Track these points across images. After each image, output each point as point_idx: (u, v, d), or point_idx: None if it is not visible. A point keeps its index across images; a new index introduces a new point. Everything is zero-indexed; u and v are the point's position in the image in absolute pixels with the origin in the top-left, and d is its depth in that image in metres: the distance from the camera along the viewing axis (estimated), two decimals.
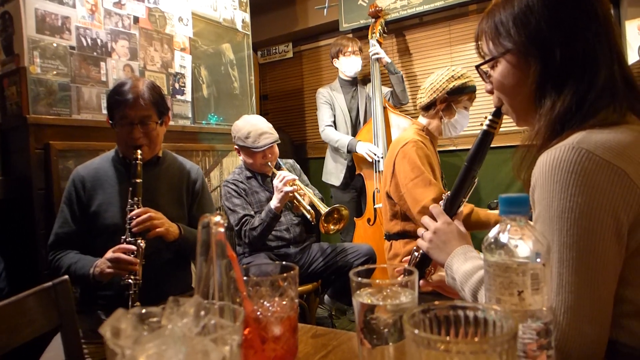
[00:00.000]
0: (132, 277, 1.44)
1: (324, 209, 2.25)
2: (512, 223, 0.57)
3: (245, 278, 0.64)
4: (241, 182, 2.41)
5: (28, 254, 1.98)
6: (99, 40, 2.25)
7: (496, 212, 1.97)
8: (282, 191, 2.19)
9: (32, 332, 0.83)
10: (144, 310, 0.50)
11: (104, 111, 2.25)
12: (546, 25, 0.79)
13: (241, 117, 2.49)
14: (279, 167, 2.45)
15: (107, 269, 1.45)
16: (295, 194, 2.25)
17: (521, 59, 0.83)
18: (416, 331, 0.41)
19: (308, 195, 2.30)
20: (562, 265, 0.69)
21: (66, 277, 0.92)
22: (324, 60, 4.15)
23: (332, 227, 2.31)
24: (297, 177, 2.30)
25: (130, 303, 1.41)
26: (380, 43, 3.32)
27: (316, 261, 2.45)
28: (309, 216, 2.30)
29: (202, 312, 0.51)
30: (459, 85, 1.96)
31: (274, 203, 2.22)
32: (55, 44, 2.07)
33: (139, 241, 1.49)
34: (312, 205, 2.29)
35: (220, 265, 0.58)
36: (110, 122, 1.66)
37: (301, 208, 2.31)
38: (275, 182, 2.23)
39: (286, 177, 2.21)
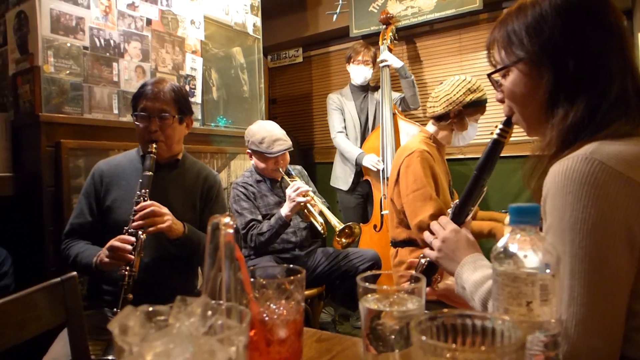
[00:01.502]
0: (127, 268, 1.44)
1: (338, 225, 2.27)
2: (522, 233, 0.57)
3: (252, 280, 0.65)
4: (251, 185, 2.42)
5: (36, 251, 1.99)
6: (112, 41, 2.27)
7: (491, 222, 1.96)
8: (294, 201, 2.21)
9: (40, 327, 0.84)
10: (151, 309, 0.51)
11: (115, 111, 2.27)
12: (560, 35, 0.79)
13: (255, 121, 2.51)
14: (288, 173, 2.46)
15: (105, 258, 1.46)
16: (308, 204, 2.26)
17: (533, 69, 0.83)
18: (423, 338, 0.41)
19: (319, 207, 2.31)
20: (573, 278, 0.68)
21: (74, 273, 0.93)
22: (333, 66, 4.16)
23: (344, 240, 2.34)
24: (310, 189, 2.31)
25: (122, 294, 1.41)
26: (390, 50, 3.33)
27: (321, 265, 2.45)
28: (319, 228, 2.32)
29: (210, 312, 0.51)
30: (475, 99, 1.94)
31: (284, 211, 2.23)
32: (69, 44, 2.10)
33: (140, 233, 1.49)
34: (322, 215, 2.31)
35: (228, 267, 0.58)
36: (133, 116, 1.69)
37: (311, 219, 2.33)
38: (289, 191, 2.25)
39: (300, 188, 2.23)
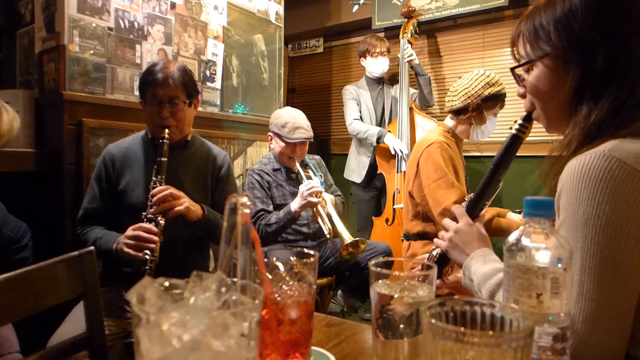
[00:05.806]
0: (149, 253, 1.47)
1: (347, 239, 2.19)
2: (536, 226, 0.57)
3: (265, 261, 0.66)
4: (267, 173, 2.43)
5: (55, 226, 2.04)
6: (136, 23, 2.30)
7: (519, 218, 1.95)
8: (306, 199, 2.19)
9: (59, 298, 0.86)
10: (167, 283, 0.52)
11: (136, 92, 2.29)
12: (589, 31, 0.78)
13: (273, 110, 2.56)
14: (305, 164, 2.47)
15: (126, 248, 1.48)
16: (319, 206, 2.25)
17: (559, 64, 0.81)
18: (433, 320, 0.42)
19: (328, 210, 2.26)
20: (583, 273, 0.68)
21: (92, 248, 0.96)
22: (353, 57, 4.15)
23: (350, 250, 2.27)
24: (324, 190, 2.28)
25: None
26: (411, 44, 3.31)
27: (332, 257, 2.46)
28: (326, 232, 2.28)
29: (224, 289, 0.52)
30: (494, 92, 1.93)
31: (294, 206, 2.22)
32: (94, 25, 2.12)
33: (159, 218, 1.52)
34: (330, 219, 2.26)
35: (244, 247, 0.60)
36: (141, 101, 1.71)
37: (319, 219, 2.30)
38: (302, 188, 2.23)
39: (314, 188, 2.20)
